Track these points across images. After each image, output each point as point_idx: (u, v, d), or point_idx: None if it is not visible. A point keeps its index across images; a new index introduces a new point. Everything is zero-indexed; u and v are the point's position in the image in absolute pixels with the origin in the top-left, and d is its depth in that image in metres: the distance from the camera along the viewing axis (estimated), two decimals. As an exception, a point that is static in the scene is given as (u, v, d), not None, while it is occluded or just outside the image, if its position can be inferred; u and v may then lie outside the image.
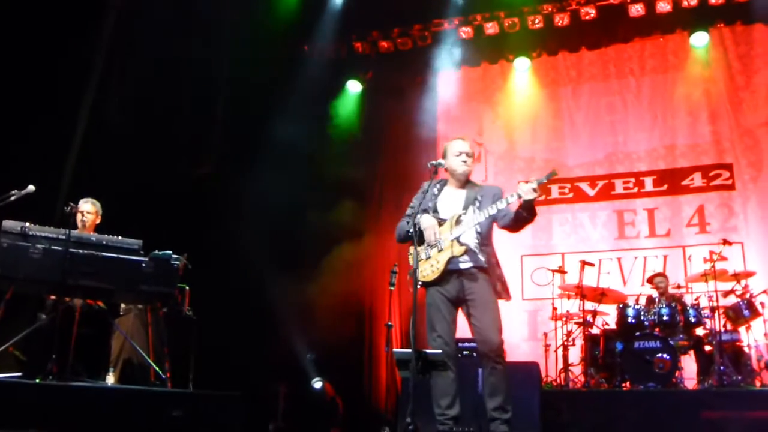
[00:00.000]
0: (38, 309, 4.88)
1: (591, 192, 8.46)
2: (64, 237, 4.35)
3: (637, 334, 6.33)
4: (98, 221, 5.40)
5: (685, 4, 8.20)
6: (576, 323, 7.13)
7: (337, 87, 9.31)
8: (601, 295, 6.99)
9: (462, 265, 4.05)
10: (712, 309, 6.23)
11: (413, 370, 3.78)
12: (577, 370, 6.98)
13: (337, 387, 7.37)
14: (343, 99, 9.32)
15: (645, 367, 6.08)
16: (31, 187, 4.59)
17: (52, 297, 4.83)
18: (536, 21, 8.61)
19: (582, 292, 6.90)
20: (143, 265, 4.55)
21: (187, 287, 5.51)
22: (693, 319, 6.42)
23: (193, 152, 7.82)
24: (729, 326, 6.51)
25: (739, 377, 6.05)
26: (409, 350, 3.83)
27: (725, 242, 6.64)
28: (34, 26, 6.32)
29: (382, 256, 8.42)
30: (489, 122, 9.10)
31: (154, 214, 6.65)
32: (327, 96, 9.12)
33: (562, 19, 8.55)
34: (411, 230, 4.09)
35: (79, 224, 5.19)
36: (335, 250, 8.17)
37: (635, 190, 8.27)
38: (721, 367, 5.93)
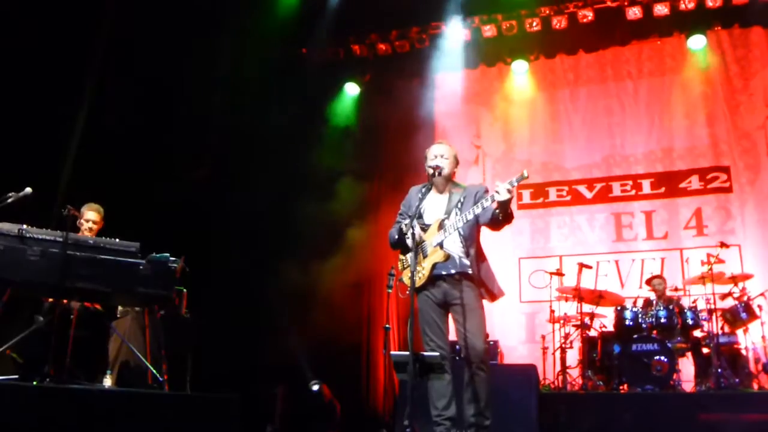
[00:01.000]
0: (35, 311, 4.86)
1: (588, 194, 8.47)
2: (61, 239, 4.34)
3: (635, 336, 6.33)
4: (102, 225, 5.40)
5: (682, 7, 8.21)
6: (574, 326, 7.14)
7: (335, 89, 9.31)
8: (598, 297, 6.98)
9: (445, 271, 4.10)
10: (710, 311, 6.25)
11: (411, 373, 3.79)
12: (574, 373, 6.99)
13: (334, 389, 7.36)
14: (341, 101, 9.33)
15: (642, 369, 6.08)
16: (28, 190, 4.58)
17: (50, 299, 4.82)
18: (534, 24, 8.62)
19: (580, 295, 6.91)
20: (141, 267, 4.52)
21: (184, 290, 5.51)
22: (690, 322, 6.43)
23: (191, 155, 7.81)
24: (726, 329, 6.53)
25: (737, 380, 6.06)
26: (407, 353, 3.84)
27: (722, 245, 6.63)
28: (32, 28, 6.33)
29: (380, 259, 8.40)
30: (487, 125, 9.11)
31: (152, 216, 6.65)
32: (325, 98, 9.12)
33: (559, 22, 8.56)
34: (398, 236, 4.16)
35: (88, 233, 5.18)
36: (333, 254, 8.16)
37: (633, 192, 8.28)
38: (719, 370, 5.94)
